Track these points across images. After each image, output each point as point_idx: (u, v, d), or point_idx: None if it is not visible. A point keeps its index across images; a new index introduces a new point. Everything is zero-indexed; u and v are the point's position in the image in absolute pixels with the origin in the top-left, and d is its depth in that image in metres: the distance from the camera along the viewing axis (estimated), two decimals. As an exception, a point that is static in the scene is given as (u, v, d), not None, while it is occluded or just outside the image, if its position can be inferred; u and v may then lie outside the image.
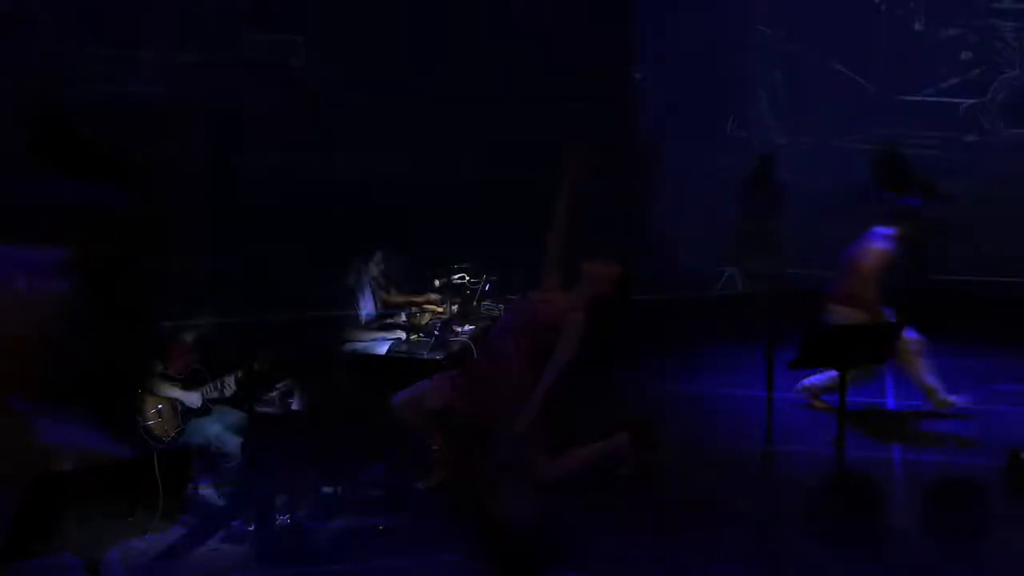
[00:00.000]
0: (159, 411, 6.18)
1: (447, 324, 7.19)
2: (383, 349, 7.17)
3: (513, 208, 9.46)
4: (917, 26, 10.49)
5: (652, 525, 5.67)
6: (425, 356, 6.94)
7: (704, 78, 10.91)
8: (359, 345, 7.26)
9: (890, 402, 7.61)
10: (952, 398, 7.26)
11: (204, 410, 6.31)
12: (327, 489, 6.10)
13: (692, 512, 5.83)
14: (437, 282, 8.08)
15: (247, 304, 8.57)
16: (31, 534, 3.80)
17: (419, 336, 7.29)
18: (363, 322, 7.54)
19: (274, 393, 6.34)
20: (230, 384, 6.40)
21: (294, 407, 6.30)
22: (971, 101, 10.59)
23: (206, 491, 6.21)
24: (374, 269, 7.83)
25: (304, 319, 8.64)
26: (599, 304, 5.77)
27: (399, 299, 8.02)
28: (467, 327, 7.42)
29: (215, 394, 6.38)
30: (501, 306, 7.94)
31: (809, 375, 7.41)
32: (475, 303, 7.77)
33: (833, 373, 7.25)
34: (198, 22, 9.76)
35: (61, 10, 9.43)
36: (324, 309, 7.85)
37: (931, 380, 7.25)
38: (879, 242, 7.33)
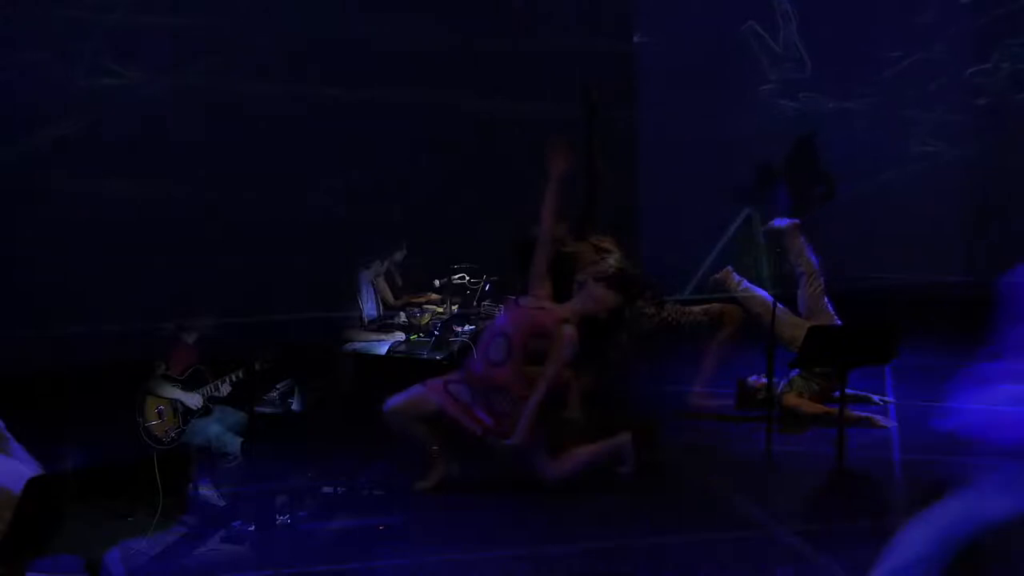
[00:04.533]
0: (160, 412, 6.19)
1: (447, 324, 7.20)
2: (383, 349, 7.17)
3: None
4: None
5: (653, 524, 5.67)
6: (425, 356, 6.95)
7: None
8: (359, 345, 7.26)
9: (890, 406, 7.60)
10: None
11: (205, 410, 6.32)
12: (327, 489, 6.10)
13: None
14: (437, 282, 8.11)
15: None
16: (31, 534, 3.81)
17: (419, 336, 7.30)
18: (363, 322, 7.55)
19: (274, 393, 6.35)
20: (224, 385, 6.40)
21: (294, 407, 6.30)
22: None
23: (206, 491, 6.22)
24: (376, 270, 7.85)
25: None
26: (593, 321, 5.89)
27: (398, 303, 8.04)
28: (467, 327, 7.43)
29: (210, 394, 6.39)
30: (501, 307, 7.95)
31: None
32: (475, 303, 7.78)
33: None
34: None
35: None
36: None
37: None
38: None
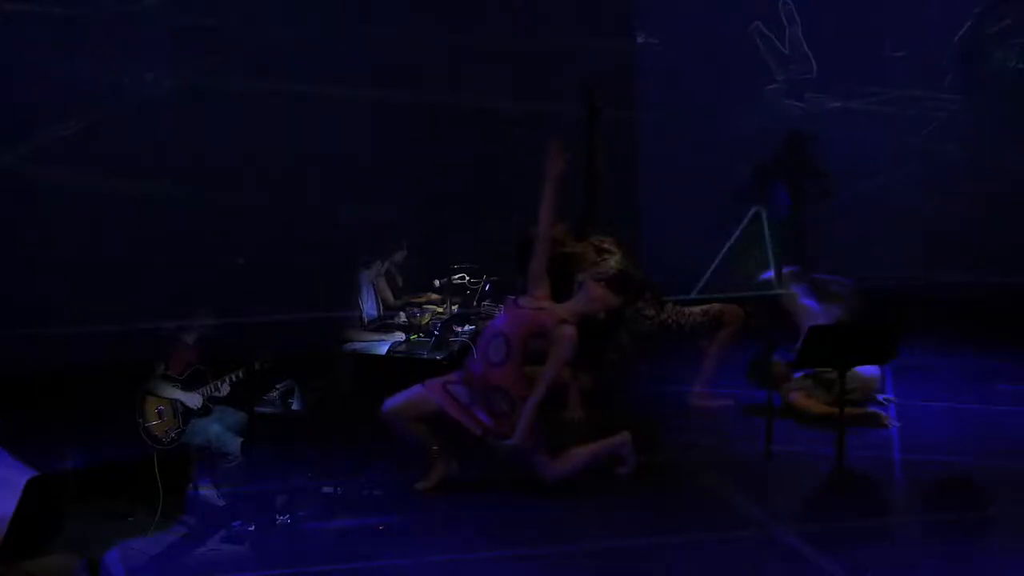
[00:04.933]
0: (160, 412, 6.20)
1: (447, 324, 7.20)
2: (383, 349, 7.18)
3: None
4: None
5: (653, 524, 5.67)
6: (425, 356, 6.95)
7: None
8: (359, 345, 7.27)
9: (891, 407, 7.59)
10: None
11: (204, 410, 6.33)
12: (327, 489, 6.11)
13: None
14: (437, 282, 8.11)
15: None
16: (31, 534, 3.80)
17: (419, 336, 7.30)
18: (363, 322, 7.55)
19: (274, 393, 6.35)
20: (224, 385, 6.40)
21: (294, 407, 6.31)
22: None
23: (206, 491, 6.22)
24: (377, 270, 7.85)
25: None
26: (593, 321, 5.90)
27: (398, 303, 8.04)
28: (467, 327, 7.43)
29: (210, 394, 6.39)
30: (500, 307, 7.95)
31: None
32: (475, 303, 7.78)
33: None
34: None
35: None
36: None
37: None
38: None
